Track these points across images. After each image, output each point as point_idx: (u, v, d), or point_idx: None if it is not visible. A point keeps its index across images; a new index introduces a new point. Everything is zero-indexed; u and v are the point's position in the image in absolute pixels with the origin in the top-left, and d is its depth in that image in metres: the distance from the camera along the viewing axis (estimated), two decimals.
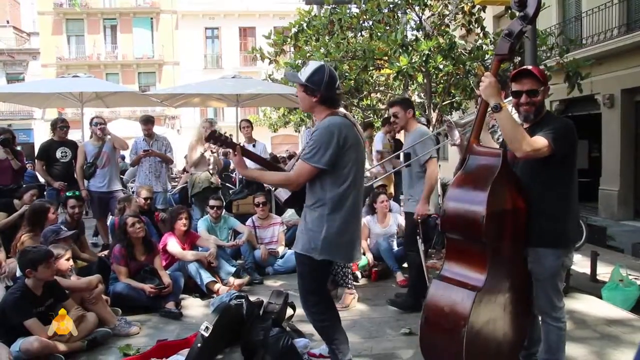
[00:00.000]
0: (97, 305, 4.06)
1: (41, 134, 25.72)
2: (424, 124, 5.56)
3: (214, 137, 3.05)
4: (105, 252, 5.74)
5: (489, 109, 2.67)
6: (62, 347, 3.53)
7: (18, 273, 4.30)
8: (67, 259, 4.11)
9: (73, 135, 7.68)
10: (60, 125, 6.80)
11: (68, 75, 9.83)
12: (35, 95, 9.55)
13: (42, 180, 7.40)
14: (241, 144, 3.11)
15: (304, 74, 2.90)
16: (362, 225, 3.25)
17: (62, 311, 3.49)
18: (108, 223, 6.74)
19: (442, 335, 2.63)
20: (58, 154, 6.68)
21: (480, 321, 2.59)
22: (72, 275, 4.25)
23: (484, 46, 6.70)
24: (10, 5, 34.01)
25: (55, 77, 23.55)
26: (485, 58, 6.61)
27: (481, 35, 7.03)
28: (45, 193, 6.69)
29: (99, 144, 6.71)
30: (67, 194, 5.86)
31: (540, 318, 2.90)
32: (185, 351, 3.42)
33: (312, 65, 2.94)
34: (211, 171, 6.93)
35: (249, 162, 3.09)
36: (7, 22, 32.23)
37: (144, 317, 4.43)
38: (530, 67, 2.90)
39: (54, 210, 5.13)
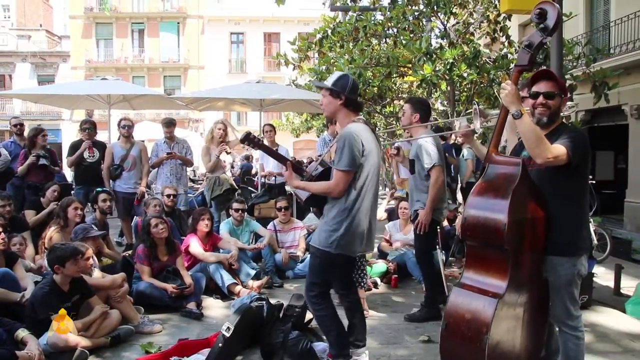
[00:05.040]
0: (122, 303, 4.15)
1: (69, 135, 26.31)
2: (447, 130, 5.52)
3: (249, 139, 3.17)
4: (129, 252, 5.85)
5: (510, 114, 2.70)
6: (86, 342, 3.62)
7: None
8: (87, 258, 4.19)
9: (100, 136, 7.86)
10: (86, 127, 7.01)
11: (96, 77, 10.05)
12: (65, 96, 9.82)
13: (69, 179, 7.59)
14: (292, 158, 3.34)
15: (330, 80, 3.25)
16: (380, 226, 3.39)
17: (61, 311, 3.55)
18: (132, 223, 6.88)
19: (463, 343, 2.63)
20: (86, 154, 6.86)
21: (500, 330, 2.58)
22: (94, 271, 4.33)
23: (509, 55, 6.68)
24: (43, 9, 35.00)
25: (84, 79, 24.15)
26: (510, 67, 6.58)
27: (506, 44, 7.01)
28: (72, 192, 6.85)
29: (127, 146, 6.86)
30: (97, 189, 6.03)
31: (557, 328, 2.89)
32: (206, 351, 3.47)
33: (337, 73, 3.34)
34: (227, 173, 6.98)
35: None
36: (40, 25, 33.21)
37: (165, 316, 4.51)
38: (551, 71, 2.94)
39: (78, 206, 5.23)
